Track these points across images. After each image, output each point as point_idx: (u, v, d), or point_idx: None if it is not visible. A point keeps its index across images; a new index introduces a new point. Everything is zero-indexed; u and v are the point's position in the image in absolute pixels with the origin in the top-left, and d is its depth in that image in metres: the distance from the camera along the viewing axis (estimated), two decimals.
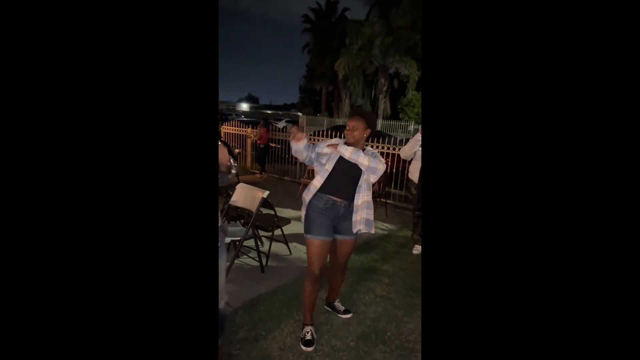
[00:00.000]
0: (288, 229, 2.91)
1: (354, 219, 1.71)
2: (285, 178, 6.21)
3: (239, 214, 2.81)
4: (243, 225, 2.75)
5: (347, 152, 1.65)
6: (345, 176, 1.68)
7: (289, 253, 2.88)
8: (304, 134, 1.64)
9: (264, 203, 2.53)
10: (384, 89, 16.03)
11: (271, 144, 6.96)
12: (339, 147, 1.68)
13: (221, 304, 1.38)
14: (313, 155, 1.71)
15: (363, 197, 1.70)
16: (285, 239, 2.87)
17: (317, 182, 1.69)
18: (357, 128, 1.68)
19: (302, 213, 1.77)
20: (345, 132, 1.73)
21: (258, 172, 6.45)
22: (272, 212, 2.77)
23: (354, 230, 1.73)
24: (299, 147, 1.65)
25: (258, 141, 6.75)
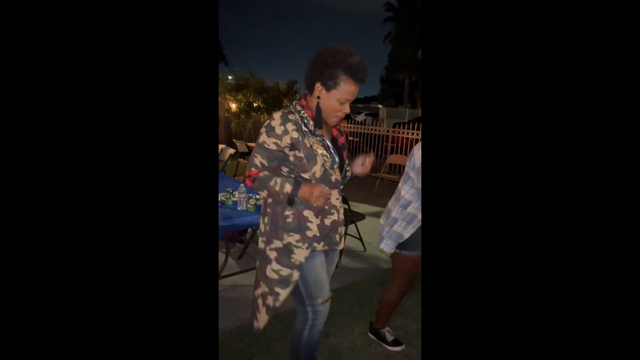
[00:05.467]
0: (362, 225, 2.84)
1: None
2: None
3: None
4: None
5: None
6: None
7: (363, 250, 2.81)
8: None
9: None
10: None
11: (350, 138, 6.92)
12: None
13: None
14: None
15: None
16: (359, 235, 2.81)
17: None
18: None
19: (400, 228, 1.45)
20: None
21: None
22: (345, 206, 2.73)
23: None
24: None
25: None
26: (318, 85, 1.04)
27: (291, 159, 1.05)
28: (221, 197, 2.12)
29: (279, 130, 1.03)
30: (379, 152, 5.98)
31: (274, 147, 1.04)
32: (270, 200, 1.13)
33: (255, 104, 6.31)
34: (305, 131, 1.05)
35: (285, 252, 1.09)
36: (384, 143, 5.98)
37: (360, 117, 13.48)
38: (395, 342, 1.67)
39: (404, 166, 5.50)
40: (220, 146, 4.46)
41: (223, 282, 2.13)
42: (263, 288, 1.14)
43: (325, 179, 1.06)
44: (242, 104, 6.30)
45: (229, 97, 6.42)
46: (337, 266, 2.51)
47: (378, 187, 4.92)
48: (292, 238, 1.08)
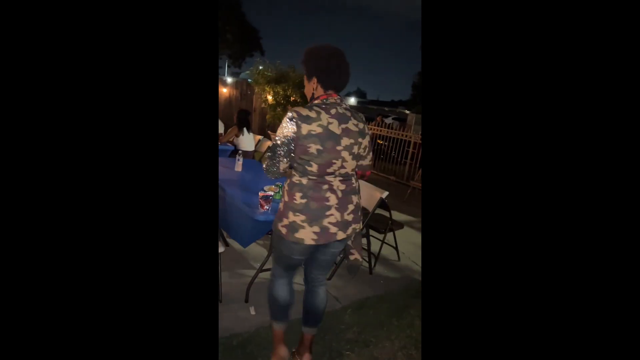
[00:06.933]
0: (399, 234, 2.80)
1: None
2: (391, 178, 6.04)
3: None
4: None
5: None
6: None
7: (397, 259, 2.77)
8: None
9: (381, 204, 2.46)
10: None
11: (378, 141, 6.83)
12: None
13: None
14: None
15: None
16: (396, 244, 2.77)
17: None
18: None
19: None
20: None
21: None
22: (386, 213, 2.69)
23: None
24: None
25: None
26: None
27: None
28: (270, 190, 2.12)
29: None
30: (400, 158, 5.92)
31: None
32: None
33: (292, 98, 6.31)
34: None
35: None
36: (406, 148, 5.90)
37: (388, 120, 13.33)
38: None
39: None
40: (257, 137, 4.48)
41: (262, 276, 2.14)
42: None
43: None
44: (280, 96, 6.31)
45: (267, 88, 6.45)
46: (371, 273, 2.50)
47: (409, 196, 4.84)
48: None
